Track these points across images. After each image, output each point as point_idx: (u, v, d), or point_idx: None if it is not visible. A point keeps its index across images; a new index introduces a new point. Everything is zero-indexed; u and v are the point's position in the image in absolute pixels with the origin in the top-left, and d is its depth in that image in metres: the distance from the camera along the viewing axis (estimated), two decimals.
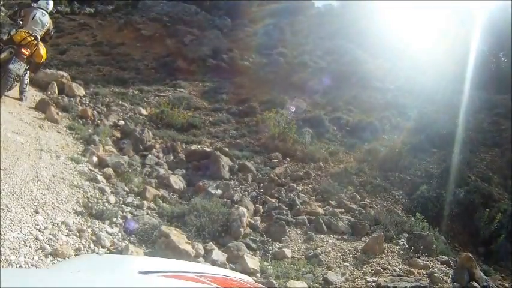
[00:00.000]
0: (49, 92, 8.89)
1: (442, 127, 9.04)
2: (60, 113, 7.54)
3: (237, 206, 4.72)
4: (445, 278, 4.09)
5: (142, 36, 15.50)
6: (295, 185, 6.46)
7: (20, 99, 6.94)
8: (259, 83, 12.31)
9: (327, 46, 15.51)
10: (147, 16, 16.70)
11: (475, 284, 4.07)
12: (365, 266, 4.15)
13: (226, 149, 7.49)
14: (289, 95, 11.33)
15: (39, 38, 6.43)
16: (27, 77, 6.78)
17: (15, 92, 6.98)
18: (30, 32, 6.25)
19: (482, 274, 4.36)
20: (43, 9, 6.66)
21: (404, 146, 8.10)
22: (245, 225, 4.37)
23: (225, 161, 6.58)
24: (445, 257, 4.67)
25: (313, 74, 12.68)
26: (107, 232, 3.68)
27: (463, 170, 7.28)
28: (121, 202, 4.56)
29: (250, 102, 10.73)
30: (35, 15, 6.49)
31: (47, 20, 6.69)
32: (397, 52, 14.50)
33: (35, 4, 6.73)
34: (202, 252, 3.71)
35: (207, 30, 15.79)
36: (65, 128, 6.88)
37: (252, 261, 3.68)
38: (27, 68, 6.43)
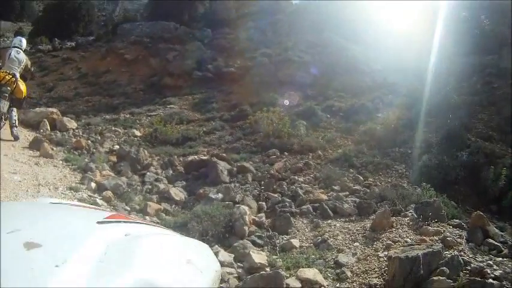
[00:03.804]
0: (41, 130, 8.96)
1: (434, 97, 8.97)
2: (54, 148, 7.57)
3: (238, 205, 4.69)
4: (458, 240, 4.02)
5: (125, 60, 15.60)
6: (296, 177, 6.43)
7: (13, 137, 7.04)
8: (247, 86, 12.34)
9: (309, 40, 15.53)
10: (127, 40, 16.83)
11: (491, 240, 4.00)
12: (376, 243, 4.09)
13: (224, 154, 7.49)
14: (279, 93, 11.33)
15: (18, 75, 6.65)
16: (14, 113, 6.96)
17: (7, 135, 7.07)
18: (8, 71, 6.49)
19: (497, 230, 4.29)
20: (17, 47, 6.92)
21: (399, 121, 8.05)
22: (248, 223, 4.34)
23: (223, 165, 6.57)
24: (457, 220, 4.59)
25: (300, 69, 12.69)
26: None
27: (462, 133, 7.22)
28: None
29: (241, 106, 10.75)
30: (10, 54, 6.74)
31: (22, 56, 6.91)
32: (379, 34, 14.44)
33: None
34: None
35: (188, 43, 15.88)
36: (61, 162, 6.90)
37: (259, 256, 3.63)
38: (11, 105, 6.67)
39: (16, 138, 7.03)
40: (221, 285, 3.19)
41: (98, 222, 1.24)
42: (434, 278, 3.29)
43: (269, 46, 15.43)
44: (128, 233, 1.21)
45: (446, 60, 10.85)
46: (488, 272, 3.41)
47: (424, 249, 3.49)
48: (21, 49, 6.99)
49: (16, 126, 7.07)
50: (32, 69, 7.46)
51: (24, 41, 7.27)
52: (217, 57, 14.92)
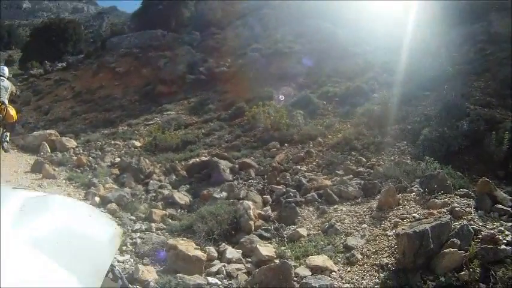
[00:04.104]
0: (42, 153, 9.01)
1: (428, 70, 8.87)
2: (56, 169, 7.61)
3: (241, 201, 4.67)
4: (467, 209, 3.96)
5: (118, 73, 15.61)
6: (299, 167, 6.40)
7: (4, 150, 7.34)
8: (241, 83, 12.29)
9: (297, 29, 15.45)
10: (117, 53, 16.83)
11: (500, 206, 3.94)
12: (384, 222, 4.05)
13: (225, 153, 7.47)
14: (273, 86, 11.28)
15: (6, 101, 6.92)
16: (7, 135, 7.36)
17: (10, 162, 7.24)
18: None
19: (505, 195, 4.22)
20: (1, 76, 7.17)
21: (396, 98, 7.98)
22: (253, 218, 4.31)
23: (224, 164, 6.56)
24: (464, 190, 4.53)
25: (291, 59, 12.63)
26: (118, 261, 3.64)
27: (460, 103, 7.12)
28: (130, 231, 4.55)
29: (237, 104, 10.71)
30: None
31: (7, 84, 7.19)
32: (365, 14, 14.27)
33: None
34: (215, 254, 3.66)
35: (177, 49, 15.85)
36: (64, 181, 6.95)
37: (266, 249, 3.61)
38: (4, 130, 7.12)
39: (6, 150, 7.33)
40: (230, 282, 3.17)
41: (13, 188, 1.56)
42: (446, 250, 3.24)
43: (258, 41, 15.36)
44: (39, 194, 1.47)
45: (436, 33, 10.74)
46: (500, 238, 3.35)
47: (431, 222, 3.44)
48: (4, 77, 7.21)
49: (7, 142, 7.43)
50: (18, 93, 8.03)
51: (6, 69, 7.52)
52: (208, 58, 14.88)
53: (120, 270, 1.77)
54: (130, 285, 1.82)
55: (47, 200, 1.40)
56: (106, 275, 1.46)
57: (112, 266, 1.60)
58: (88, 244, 1.28)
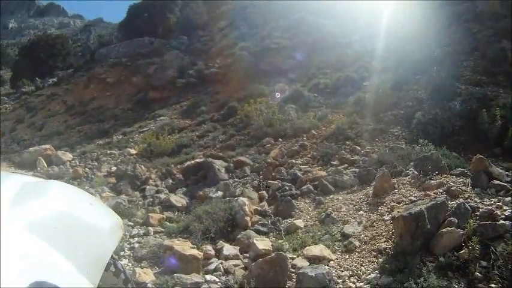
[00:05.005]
0: (38, 168, 8.96)
1: (417, 54, 8.85)
2: None
3: (236, 198, 4.64)
4: (463, 188, 3.94)
5: (108, 84, 15.56)
6: (293, 161, 6.38)
7: None
8: (231, 83, 12.27)
9: (283, 25, 15.42)
10: (106, 64, 16.77)
11: (497, 182, 3.91)
12: (380, 207, 4.03)
13: (220, 153, 7.44)
14: (263, 83, 11.27)
15: None
16: None
17: None
18: None
19: (501, 170, 4.20)
20: None
21: (386, 84, 7.95)
22: (249, 214, 4.29)
23: (219, 164, 6.53)
24: (459, 169, 4.50)
25: (279, 55, 12.61)
26: None
27: (451, 84, 7.12)
28: (127, 236, 4.51)
29: (229, 103, 10.67)
30: None
31: None
32: (349, 5, 14.25)
33: None
34: (212, 252, 3.62)
35: (166, 54, 15.79)
36: None
37: (263, 243, 3.58)
38: None
39: None
40: (227, 278, 3.14)
41: (12, 172, 1.57)
42: (444, 230, 3.20)
43: (246, 40, 15.32)
44: (38, 180, 1.49)
45: (421, 16, 10.69)
46: (498, 213, 3.32)
47: (427, 203, 3.41)
48: None
49: None
50: None
51: None
52: (197, 61, 14.84)
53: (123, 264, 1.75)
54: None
55: (46, 185, 1.40)
56: (108, 269, 1.47)
57: (114, 260, 1.58)
58: (88, 232, 1.26)
